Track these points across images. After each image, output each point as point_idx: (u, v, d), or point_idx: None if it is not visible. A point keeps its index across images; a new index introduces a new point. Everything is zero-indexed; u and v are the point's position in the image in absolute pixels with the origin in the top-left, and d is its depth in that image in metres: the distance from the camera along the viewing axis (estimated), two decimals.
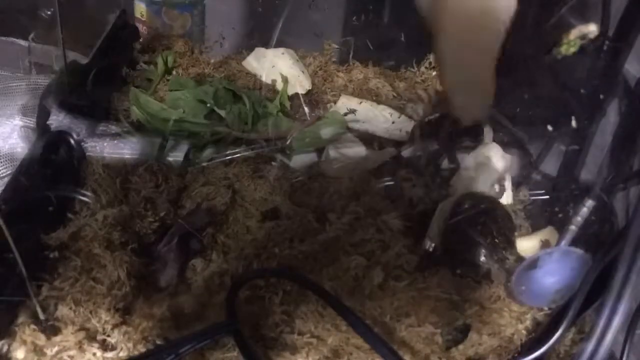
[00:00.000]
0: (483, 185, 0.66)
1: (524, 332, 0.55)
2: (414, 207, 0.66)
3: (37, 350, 0.48)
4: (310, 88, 0.90)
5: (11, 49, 0.88)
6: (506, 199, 0.67)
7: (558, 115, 0.65)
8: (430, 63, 0.98)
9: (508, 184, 0.68)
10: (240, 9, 0.98)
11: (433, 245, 0.60)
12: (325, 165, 0.73)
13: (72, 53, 0.74)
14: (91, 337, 0.49)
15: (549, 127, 0.66)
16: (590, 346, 0.32)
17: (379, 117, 0.85)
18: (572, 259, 0.52)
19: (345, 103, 0.88)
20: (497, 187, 0.67)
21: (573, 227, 0.55)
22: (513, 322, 0.56)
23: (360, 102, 0.87)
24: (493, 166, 0.67)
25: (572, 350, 0.55)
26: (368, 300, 0.54)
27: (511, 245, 0.58)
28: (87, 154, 0.65)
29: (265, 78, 0.89)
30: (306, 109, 0.85)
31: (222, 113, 0.78)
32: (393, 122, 0.84)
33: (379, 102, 0.89)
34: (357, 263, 0.56)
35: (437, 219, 0.63)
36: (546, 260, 0.53)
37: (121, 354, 0.48)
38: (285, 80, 0.87)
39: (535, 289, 0.54)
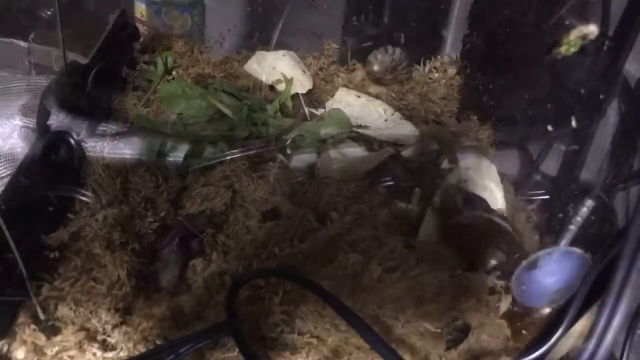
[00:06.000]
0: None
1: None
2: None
3: (37, 350, 0.48)
4: (311, 88, 0.90)
5: (11, 50, 0.88)
6: (499, 204, 0.68)
7: (558, 115, 0.65)
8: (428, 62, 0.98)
9: (498, 191, 0.68)
10: (240, 9, 0.98)
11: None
12: (324, 166, 0.73)
13: (71, 53, 0.74)
14: (91, 337, 0.49)
15: (549, 127, 0.66)
16: (590, 346, 0.32)
17: (373, 113, 0.85)
18: (572, 259, 0.52)
19: (342, 96, 0.89)
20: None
21: (573, 227, 0.55)
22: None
23: (358, 96, 0.88)
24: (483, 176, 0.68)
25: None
26: (365, 296, 0.54)
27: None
28: (87, 154, 0.65)
29: (266, 79, 0.89)
30: (306, 109, 0.85)
31: (228, 112, 0.78)
32: (386, 120, 0.84)
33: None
34: (354, 260, 0.56)
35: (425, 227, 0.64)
36: (546, 260, 0.53)
37: (121, 354, 0.48)
38: (287, 80, 0.87)
39: (535, 289, 0.54)
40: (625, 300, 0.31)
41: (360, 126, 0.82)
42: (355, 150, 0.76)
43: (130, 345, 0.49)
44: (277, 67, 0.90)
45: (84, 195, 0.61)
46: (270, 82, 0.89)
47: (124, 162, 0.66)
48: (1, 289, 0.49)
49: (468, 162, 0.71)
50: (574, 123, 0.61)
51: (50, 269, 0.53)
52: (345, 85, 0.92)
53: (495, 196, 0.67)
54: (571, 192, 0.64)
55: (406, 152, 0.77)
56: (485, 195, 0.67)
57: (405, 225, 0.64)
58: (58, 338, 0.48)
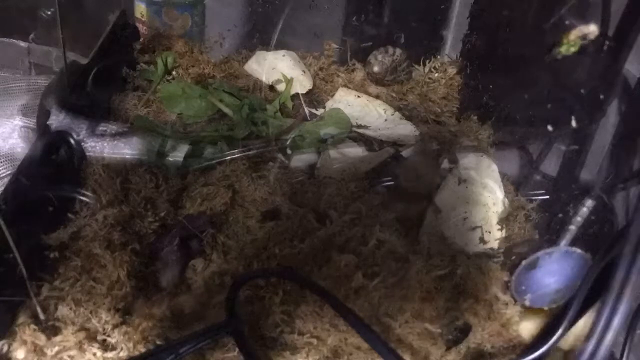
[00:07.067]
0: (472, 192, 0.66)
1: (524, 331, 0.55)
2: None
3: (37, 350, 0.48)
4: (311, 88, 0.90)
5: (11, 50, 0.88)
6: (499, 203, 0.68)
7: (558, 115, 0.65)
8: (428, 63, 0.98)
9: (498, 190, 0.68)
10: (240, 9, 0.98)
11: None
12: (324, 165, 0.73)
13: (71, 53, 0.74)
14: (91, 337, 0.49)
15: (549, 127, 0.66)
16: (590, 346, 0.32)
17: (373, 113, 0.85)
18: (572, 259, 0.52)
19: (342, 96, 0.89)
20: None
21: (573, 227, 0.55)
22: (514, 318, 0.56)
23: (358, 96, 0.88)
24: (483, 175, 0.68)
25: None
26: (357, 297, 0.54)
27: None
28: (87, 154, 0.65)
29: (266, 79, 0.89)
30: (306, 109, 0.85)
31: (229, 111, 0.78)
32: (386, 120, 0.85)
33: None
34: (347, 261, 0.56)
35: (426, 227, 0.63)
36: (546, 260, 0.53)
37: (121, 354, 0.48)
38: (287, 80, 0.87)
39: (535, 289, 0.54)
40: (625, 300, 0.31)
41: (360, 126, 0.82)
42: (355, 150, 0.76)
43: (130, 345, 0.49)
44: (277, 67, 0.90)
45: (84, 195, 0.61)
46: (270, 82, 0.89)
47: (124, 162, 0.66)
48: (1, 289, 0.49)
49: (468, 160, 0.71)
50: (574, 123, 0.61)
51: (50, 269, 0.53)
52: (345, 85, 0.92)
53: (497, 195, 0.67)
54: (571, 192, 0.64)
55: (406, 152, 0.77)
56: (485, 194, 0.67)
57: (405, 225, 0.64)
58: (58, 338, 0.48)
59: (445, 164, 0.73)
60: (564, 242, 0.55)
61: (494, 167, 0.70)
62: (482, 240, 0.64)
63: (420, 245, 0.61)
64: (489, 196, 0.67)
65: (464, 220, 0.65)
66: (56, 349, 0.48)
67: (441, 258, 0.58)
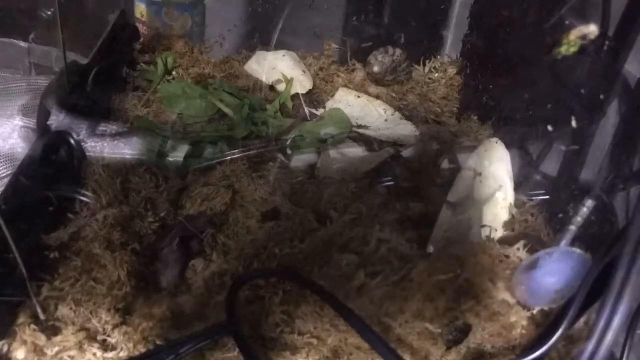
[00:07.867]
0: (486, 187, 0.66)
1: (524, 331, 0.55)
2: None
3: (37, 350, 0.48)
4: (311, 88, 0.90)
5: (11, 50, 0.88)
6: (509, 197, 0.67)
7: (558, 115, 0.65)
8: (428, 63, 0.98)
9: (509, 183, 0.68)
10: (240, 9, 0.98)
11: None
12: (324, 165, 0.73)
13: (71, 53, 0.74)
14: (91, 337, 0.49)
15: (549, 127, 0.66)
16: (590, 346, 0.32)
17: (373, 113, 0.85)
18: (572, 259, 0.52)
19: (342, 96, 0.89)
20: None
21: (573, 227, 0.55)
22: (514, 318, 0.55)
23: (358, 96, 0.88)
24: (496, 166, 0.67)
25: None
26: (358, 297, 0.53)
27: None
28: (87, 154, 0.65)
29: (266, 79, 0.89)
30: (306, 109, 0.85)
31: (229, 111, 0.78)
32: (386, 120, 0.85)
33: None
34: (348, 261, 0.56)
35: (439, 226, 0.63)
36: (546, 260, 0.53)
37: (121, 354, 0.48)
38: (287, 80, 0.87)
39: (535, 289, 0.54)
40: (625, 300, 0.31)
41: (360, 126, 0.82)
42: (355, 150, 0.77)
43: (130, 345, 0.49)
44: (277, 67, 0.90)
45: (84, 195, 0.61)
46: (270, 82, 0.89)
47: (124, 162, 0.66)
48: (1, 289, 0.49)
49: (470, 162, 0.70)
50: (574, 123, 0.61)
51: (50, 269, 0.53)
52: (345, 85, 0.93)
53: (507, 188, 0.66)
54: (571, 192, 0.63)
55: (406, 152, 0.77)
56: (495, 187, 0.66)
57: (406, 224, 0.64)
58: (58, 338, 0.48)
59: (445, 164, 0.73)
60: (564, 242, 0.55)
61: (506, 156, 0.68)
62: (489, 239, 0.64)
63: (428, 248, 0.61)
64: (498, 190, 0.66)
65: (473, 217, 0.64)
66: (56, 349, 0.48)
67: (447, 260, 0.58)
